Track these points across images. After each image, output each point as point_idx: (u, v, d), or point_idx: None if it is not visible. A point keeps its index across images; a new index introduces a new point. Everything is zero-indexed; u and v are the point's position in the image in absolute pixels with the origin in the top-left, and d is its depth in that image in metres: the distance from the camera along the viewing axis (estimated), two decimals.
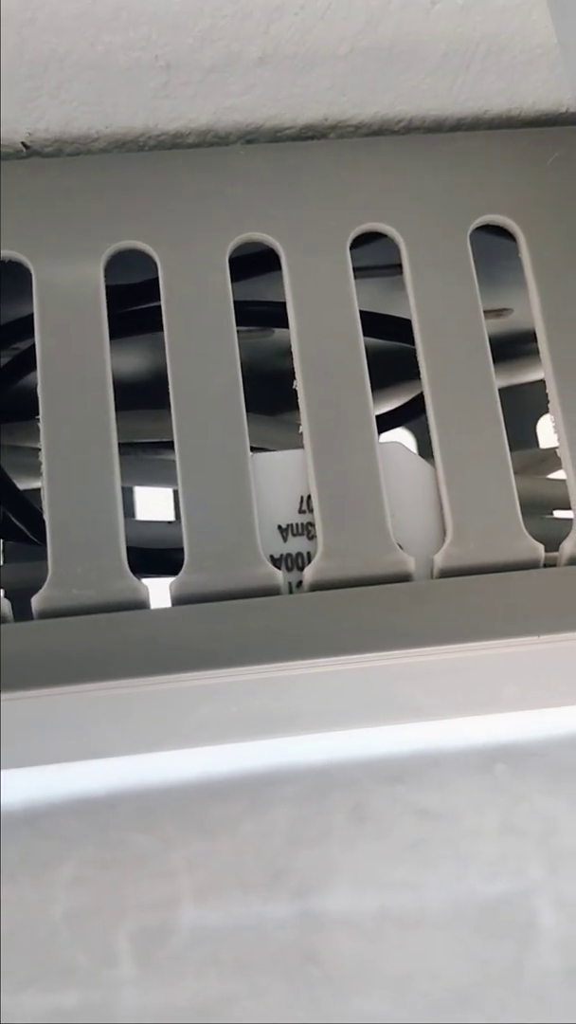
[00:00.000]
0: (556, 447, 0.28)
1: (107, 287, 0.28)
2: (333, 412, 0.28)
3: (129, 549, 0.26)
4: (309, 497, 0.28)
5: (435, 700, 0.30)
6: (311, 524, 0.28)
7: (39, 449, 0.27)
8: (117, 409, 0.27)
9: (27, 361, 0.31)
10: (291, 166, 0.30)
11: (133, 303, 0.31)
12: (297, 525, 0.28)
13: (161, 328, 0.28)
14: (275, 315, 0.30)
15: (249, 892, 0.30)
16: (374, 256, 0.31)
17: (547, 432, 0.43)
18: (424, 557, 0.27)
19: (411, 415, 0.33)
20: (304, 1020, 0.29)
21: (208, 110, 0.30)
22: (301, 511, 0.28)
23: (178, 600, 0.26)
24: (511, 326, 0.38)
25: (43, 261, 0.28)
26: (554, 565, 0.27)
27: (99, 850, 0.30)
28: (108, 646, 0.25)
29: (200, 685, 0.26)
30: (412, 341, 0.29)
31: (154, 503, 0.44)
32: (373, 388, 0.28)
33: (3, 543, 0.32)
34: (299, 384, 0.28)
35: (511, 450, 0.28)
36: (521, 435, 0.43)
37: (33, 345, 0.28)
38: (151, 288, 0.29)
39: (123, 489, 0.27)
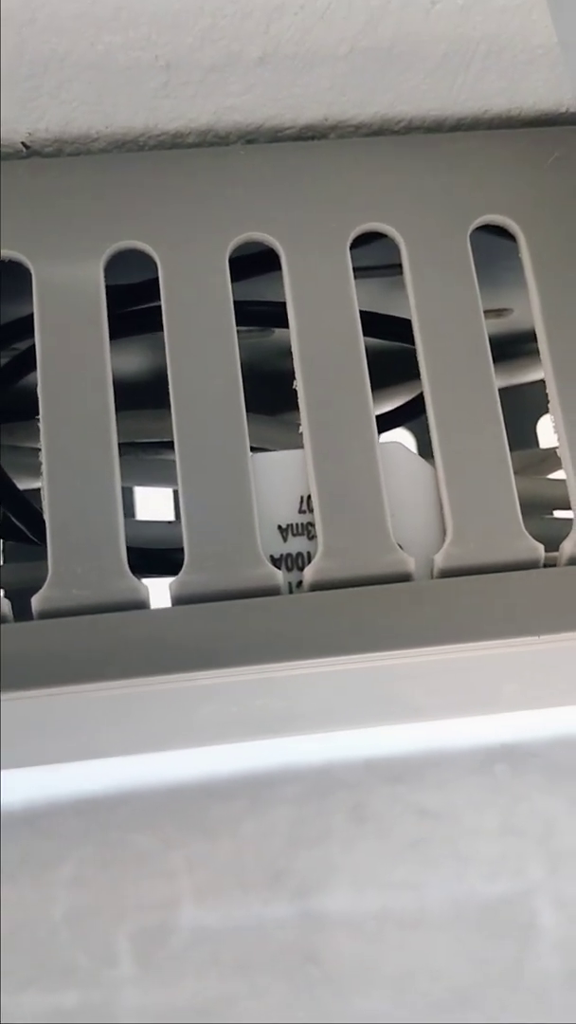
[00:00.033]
0: (556, 447, 0.28)
1: (107, 287, 0.28)
2: (333, 412, 0.28)
3: (129, 549, 0.26)
4: (309, 497, 0.28)
5: (435, 700, 0.30)
6: (311, 524, 0.28)
7: (39, 449, 0.27)
8: (117, 409, 0.27)
9: (27, 361, 0.31)
10: (291, 166, 0.30)
11: (133, 303, 0.31)
12: (297, 525, 0.28)
13: (161, 328, 0.28)
14: (275, 315, 0.30)
15: (249, 892, 0.30)
16: (374, 256, 0.31)
17: (547, 432, 0.43)
18: (424, 557, 0.27)
19: (411, 415, 0.33)
20: (304, 1020, 0.29)
21: (208, 110, 0.30)
22: (301, 511, 0.28)
23: (178, 600, 0.26)
24: (511, 326, 0.38)
25: (43, 261, 0.28)
26: (554, 565, 0.27)
27: (99, 850, 0.30)
28: (108, 646, 0.25)
29: (200, 685, 0.26)
30: (412, 341, 0.29)
31: (154, 503, 0.44)
32: (373, 388, 0.28)
33: (3, 543, 0.32)
34: (299, 384, 0.28)
35: (511, 450, 0.28)
36: (521, 435, 0.43)
37: (33, 345, 0.28)
38: (151, 288, 0.29)
39: (123, 489, 0.27)
